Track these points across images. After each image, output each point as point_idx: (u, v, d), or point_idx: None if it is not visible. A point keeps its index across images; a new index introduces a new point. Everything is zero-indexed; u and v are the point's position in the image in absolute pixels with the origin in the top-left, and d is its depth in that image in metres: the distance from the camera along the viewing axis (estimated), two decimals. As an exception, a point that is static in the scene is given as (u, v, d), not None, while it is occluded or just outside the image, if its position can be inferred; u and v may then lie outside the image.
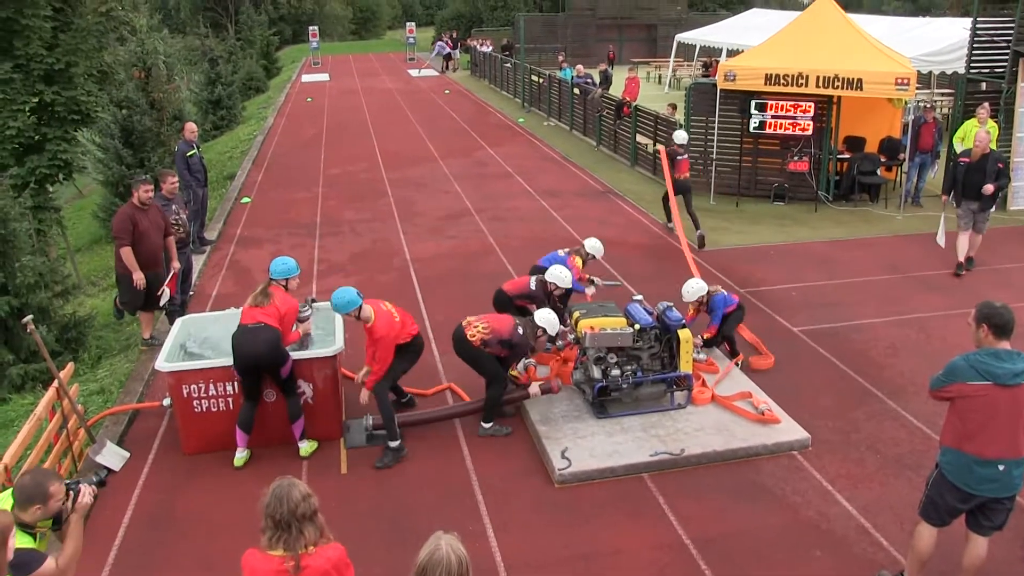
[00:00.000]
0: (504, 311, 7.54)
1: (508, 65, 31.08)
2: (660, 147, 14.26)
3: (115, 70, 17.29)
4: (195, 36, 56.58)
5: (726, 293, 8.04)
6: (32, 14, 14.88)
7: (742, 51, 17.66)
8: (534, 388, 6.91)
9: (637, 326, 7.12)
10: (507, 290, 7.74)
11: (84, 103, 16.06)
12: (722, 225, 12.98)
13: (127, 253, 8.48)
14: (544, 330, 6.78)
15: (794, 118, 13.30)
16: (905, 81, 12.31)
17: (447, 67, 39.31)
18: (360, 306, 6.43)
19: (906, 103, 13.95)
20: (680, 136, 12.28)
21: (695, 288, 7.94)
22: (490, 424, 6.86)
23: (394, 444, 6.57)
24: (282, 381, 6.52)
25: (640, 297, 7.74)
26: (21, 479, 3.77)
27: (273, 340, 6.37)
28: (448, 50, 40.75)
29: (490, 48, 36.46)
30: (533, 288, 7.63)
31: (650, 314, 7.32)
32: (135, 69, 16.59)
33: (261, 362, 6.35)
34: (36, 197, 15.47)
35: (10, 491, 3.81)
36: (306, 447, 6.67)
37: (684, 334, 7.08)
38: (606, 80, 21.30)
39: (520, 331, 6.75)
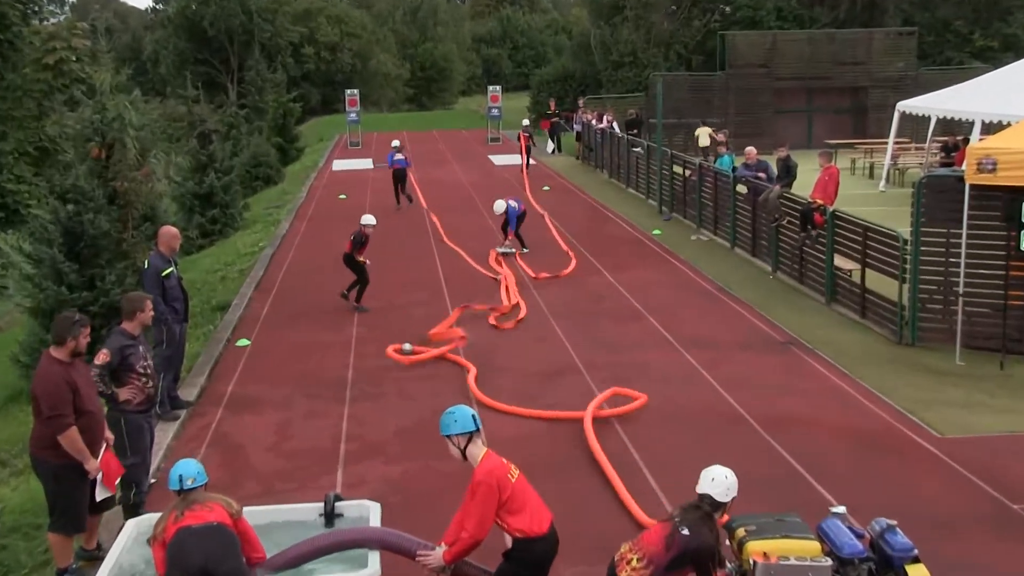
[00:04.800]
0: None
1: (638, 150, 32.34)
2: None
3: (61, 146, 17.99)
4: (180, 101, 60.78)
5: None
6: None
7: (1006, 125, 17.69)
8: None
9: (839, 555, 7.10)
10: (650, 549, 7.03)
11: (12, 193, 16.78)
12: (976, 399, 12.87)
13: (72, 437, 8.57)
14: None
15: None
16: None
17: (530, 153, 40.05)
18: (472, 435, 7.13)
19: None
20: None
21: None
22: None
23: None
24: None
25: (842, 510, 7.72)
26: None
27: (232, 547, 6.86)
28: (560, 126, 42.50)
29: (610, 124, 38.06)
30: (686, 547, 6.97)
31: (859, 537, 7.27)
32: (91, 145, 17.49)
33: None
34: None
35: None
36: None
37: (917, 571, 7.01)
38: (787, 172, 21.43)
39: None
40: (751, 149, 23.12)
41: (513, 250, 22.09)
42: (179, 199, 30.32)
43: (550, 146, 45.15)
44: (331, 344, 16.20)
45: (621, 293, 18.99)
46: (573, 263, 21.30)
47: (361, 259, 18.14)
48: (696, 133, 34.85)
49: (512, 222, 22.13)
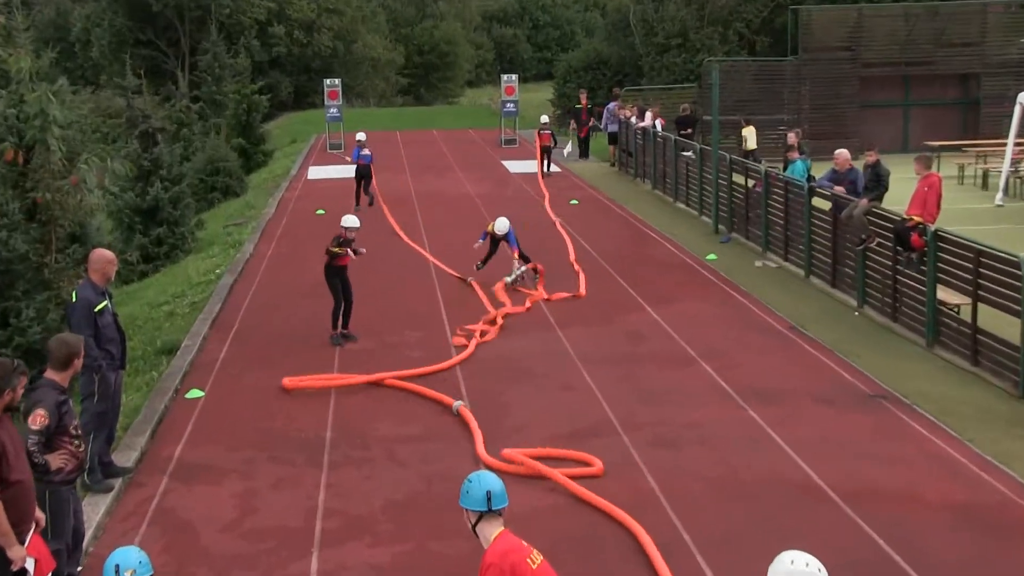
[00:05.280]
0: None
1: (688, 154, 32.31)
2: None
3: (-35, 149, 17.74)
4: (117, 92, 60.47)
5: None
6: None
7: None
8: None
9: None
10: None
11: None
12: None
13: None
14: None
15: None
16: None
17: (552, 158, 40.83)
18: (483, 514, 7.29)
19: None
20: None
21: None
22: None
23: None
24: None
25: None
26: None
27: None
28: (616, 118, 42.55)
29: (654, 122, 38.07)
30: None
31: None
32: (4, 147, 17.41)
33: None
34: None
35: None
36: None
37: None
38: (877, 182, 21.28)
39: None
40: (842, 152, 22.55)
41: (522, 270, 22.58)
42: (116, 214, 30.29)
43: (567, 148, 45.12)
44: (306, 396, 16.18)
45: (667, 332, 18.98)
46: (582, 280, 22.15)
47: (347, 252, 18.81)
48: (743, 133, 34.72)
49: (512, 242, 22.68)
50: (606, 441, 14.07)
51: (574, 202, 33.39)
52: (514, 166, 42.23)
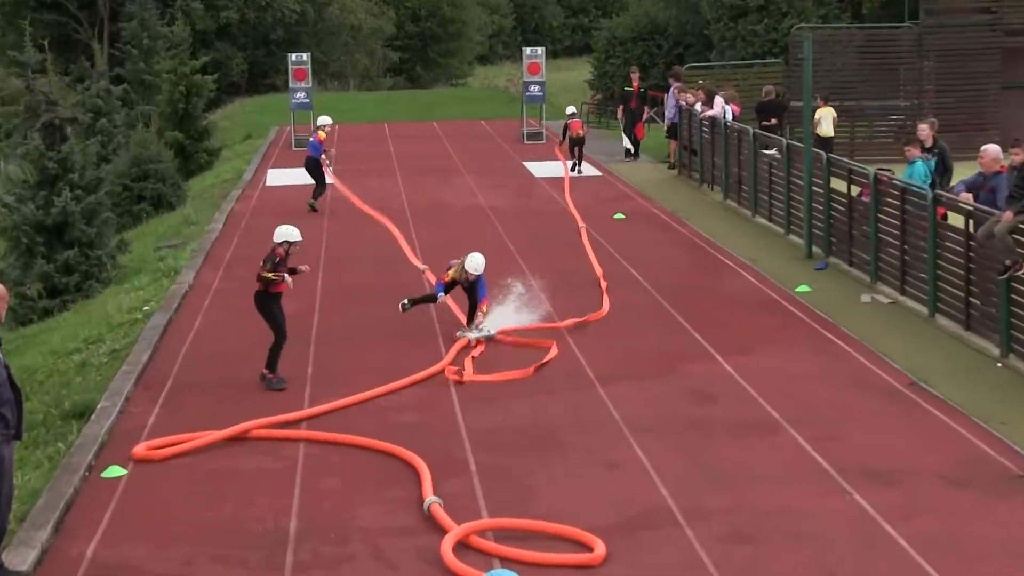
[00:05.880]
0: None
1: (772, 152, 32.32)
2: None
3: None
4: (13, 70, 59.98)
5: None
6: None
7: None
8: None
9: None
10: None
11: None
12: None
13: None
14: None
15: None
16: None
17: (582, 151, 41.25)
18: None
19: None
20: None
21: None
22: None
23: None
24: None
25: None
26: None
27: None
28: (676, 104, 42.69)
29: (727, 110, 37.89)
30: None
31: None
32: None
33: None
34: None
35: None
36: None
37: None
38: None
39: None
40: (991, 149, 22.34)
41: (491, 332, 22.33)
42: (10, 232, 30.32)
43: (625, 142, 45.22)
44: (263, 472, 16.18)
45: (744, 390, 18.94)
46: (606, 304, 22.75)
47: (282, 278, 19.25)
48: (816, 116, 34.64)
49: (482, 289, 22.43)
50: (663, 534, 13.95)
51: (620, 216, 33.44)
52: (540, 168, 42.40)
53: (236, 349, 21.81)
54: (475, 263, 22.09)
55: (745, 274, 26.81)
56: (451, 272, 22.36)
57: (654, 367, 20.33)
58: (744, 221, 33.01)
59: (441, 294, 22.48)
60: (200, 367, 21.04)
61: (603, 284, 24.48)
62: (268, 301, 19.45)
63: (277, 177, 42.41)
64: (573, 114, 41.34)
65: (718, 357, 20.77)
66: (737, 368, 20.07)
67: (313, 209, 33.94)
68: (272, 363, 19.44)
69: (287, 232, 19.67)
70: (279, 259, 19.27)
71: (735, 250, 28.92)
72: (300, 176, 40.30)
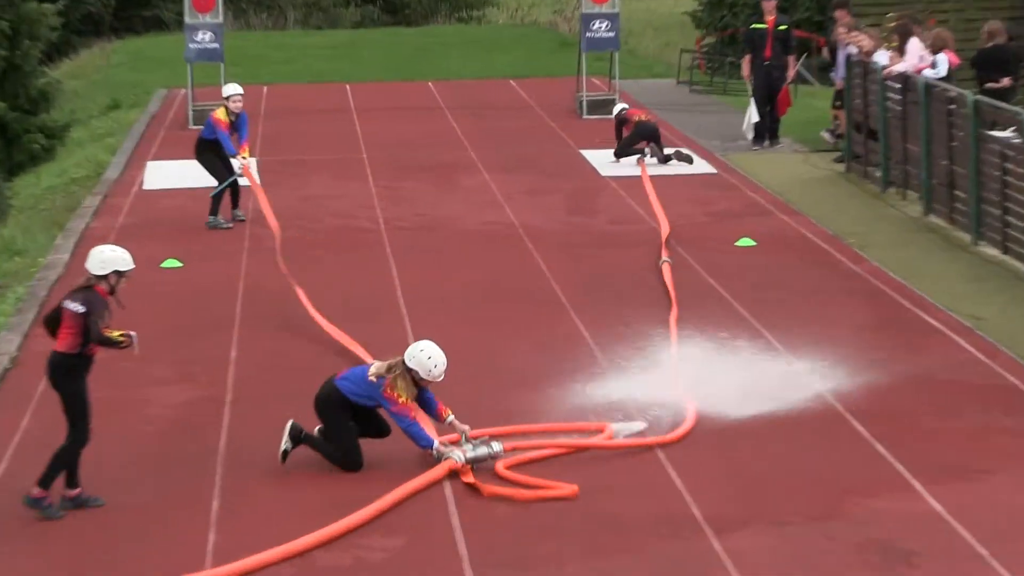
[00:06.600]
0: None
1: (1007, 134, 25.76)
2: None
3: None
4: None
5: None
6: None
7: None
8: None
9: None
10: None
11: None
12: None
13: None
14: None
15: None
16: None
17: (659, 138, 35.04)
18: None
19: None
20: None
21: None
22: None
23: None
24: None
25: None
26: None
27: None
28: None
29: (936, 61, 31.09)
30: None
31: None
32: None
33: None
34: None
35: None
36: None
37: None
38: None
39: None
40: None
41: (494, 449, 17.87)
42: None
43: (752, 115, 37.38)
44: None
45: (959, 538, 14.19)
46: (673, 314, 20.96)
47: (126, 337, 15.14)
48: None
49: (432, 405, 17.87)
50: None
51: (747, 242, 26.86)
52: (608, 160, 34.86)
53: (92, 471, 16.65)
54: (436, 364, 16.93)
55: (963, 343, 21.13)
56: (399, 392, 16.75)
57: (806, 502, 15.43)
58: (960, 251, 26.66)
59: (435, 443, 17.15)
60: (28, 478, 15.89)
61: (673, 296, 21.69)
62: (75, 373, 15.04)
63: (162, 175, 35.14)
64: (624, 109, 34.51)
65: (917, 486, 15.81)
66: (947, 502, 15.24)
67: (239, 220, 28.83)
68: (70, 476, 15.15)
69: (112, 258, 15.55)
70: (106, 304, 15.42)
71: (946, 302, 23.15)
72: (199, 174, 32.41)
